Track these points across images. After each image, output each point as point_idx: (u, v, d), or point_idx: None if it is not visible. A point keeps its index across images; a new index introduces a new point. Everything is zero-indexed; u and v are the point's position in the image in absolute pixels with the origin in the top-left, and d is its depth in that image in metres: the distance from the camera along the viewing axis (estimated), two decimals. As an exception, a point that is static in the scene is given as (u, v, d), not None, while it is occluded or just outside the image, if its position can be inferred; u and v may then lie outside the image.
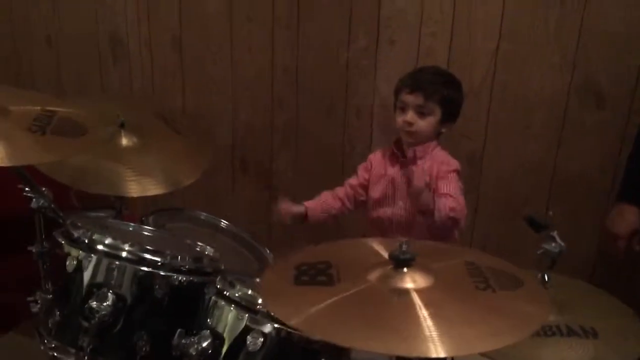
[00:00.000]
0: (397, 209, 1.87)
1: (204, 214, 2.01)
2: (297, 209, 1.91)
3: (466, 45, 2.26)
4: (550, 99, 2.19)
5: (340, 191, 1.97)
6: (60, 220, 1.63)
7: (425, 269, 1.03)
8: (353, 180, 1.97)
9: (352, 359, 1.35)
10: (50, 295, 1.48)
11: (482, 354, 1.09)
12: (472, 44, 2.25)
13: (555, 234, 1.30)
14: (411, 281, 1.01)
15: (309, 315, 0.95)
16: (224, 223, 2.00)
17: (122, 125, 1.94)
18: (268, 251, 1.95)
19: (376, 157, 1.95)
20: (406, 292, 1.00)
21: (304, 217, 1.92)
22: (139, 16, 2.83)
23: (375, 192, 1.91)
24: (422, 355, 0.86)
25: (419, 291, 0.99)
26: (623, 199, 1.85)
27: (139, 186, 1.85)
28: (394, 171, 1.88)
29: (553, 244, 1.29)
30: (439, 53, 2.31)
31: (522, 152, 2.28)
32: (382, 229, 1.90)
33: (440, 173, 1.79)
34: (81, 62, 3.04)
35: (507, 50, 2.21)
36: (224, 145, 2.81)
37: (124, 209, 1.98)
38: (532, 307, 0.98)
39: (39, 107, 1.45)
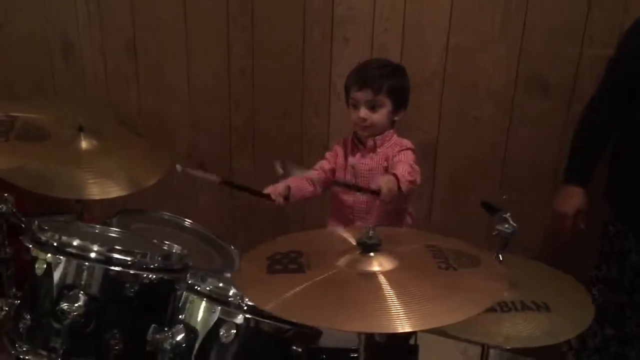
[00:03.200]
0: (357, 197, 1.93)
1: (167, 213, 2.04)
2: (286, 191, 1.88)
3: (417, 40, 2.33)
4: (498, 89, 2.28)
5: (313, 174, 1.95)
6: (22, 226, 1.63)
7: (390, 253, 1.10)
8: (324, 165, 2.01)
9: (320, 345, 1.41)
10: (18, 300, 1.47)
11: (447, 331, 1.18)
12: (423, 39, 2.33)
13: (508, 216, 1.38)
14: (378, 264, 1.07)
15: (284, 300, 1.00)
16: (187, 222, 2.02)
17: (81, 129, 1.94)
18: (232, 247, 1.98)
19: (339, 148, 2.01)
20: (373, 274, 1.06)
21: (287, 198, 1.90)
22: (91, 21, 2.81)
23: None
24: (391, 331, 0.92)
25: (385, 273, 1.06)
26: (568, 180, 1.96)
27: (100, 189, 1.85)
28: (354, 160, 1.95)
29: (506, 226, 1.37)
30: (391, 49, 2.37)
31: (473, 141, 2.37)
32: (343, 214, 1.97)
33: (394, 153, 1.88)
34: (33, 66, 3.00)
35: (456, 45, 2.29)
36: (182, 148, 2.82)
37: (84, 212, 1.99)
38: (490, 283, 1.05)
39: (1, 113, 1.44)
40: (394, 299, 0.99)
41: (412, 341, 1.67)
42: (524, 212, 2.30)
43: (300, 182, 1.93)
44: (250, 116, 2.69)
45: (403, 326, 0.95)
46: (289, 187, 1.88)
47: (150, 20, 2.72)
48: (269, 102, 2.64)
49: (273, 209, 2.71)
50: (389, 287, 1.02)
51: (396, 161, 1.84)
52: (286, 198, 1.89)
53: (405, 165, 1.77)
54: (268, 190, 1.86)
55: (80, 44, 2.87)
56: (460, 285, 1.04)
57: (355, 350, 1.34)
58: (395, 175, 1.67)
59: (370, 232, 1.08)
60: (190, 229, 2.01)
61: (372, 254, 1.09)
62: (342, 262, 1.09)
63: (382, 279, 1.04)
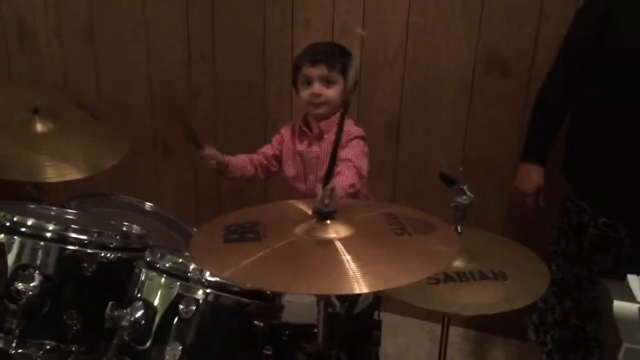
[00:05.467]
0: (309, 183, 1.94)
1: (127, 197, 2.00)
2: (221, 157, 1.90)
3: (378, 21, 2.34)
4: (458, 69, 2.31)
5: (254, 158, 2.00)
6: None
7: (346, 221, 1.10)
8: (267, 150, 2.01)
9: (282, 319, 1.41)
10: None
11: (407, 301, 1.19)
12: (384, 20, 2.34)
13: (465, 187, 1.39)
14: (334, 232, 1.08)
15: (241, 267, 1.00)
16: (148, 205, 2.00)
17: (36, 111, 1.90)
18: (195, 229, 1.96)
19: (287, 132, 2.00)
20: (330, 241, 1.06)
21: (224, 168, 1.92)
22: (47, 5, 2.75)
23: (289, 171, 1.97)
24: (348, 292, 0.93)
25: (341, 240, 1.06)
26: (527, 158, 1.99)
27: (56, 171, 1.81)
28: (302, 147, 1.93)
29: (464, 197, 1.39)
30: (353, 30, 2.37)
31: (435, 122, 2.39)
32: None
33: (343, 143, 1.85)
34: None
35: (416, 25, 2.31)
36: (145, 131, 2.79)
37: (42, 198, 1.95)
38: (444, 247, 1.07)
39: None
40: (350, 263, 1.00)
41: (375, 317, 1.69)
42: (486, 191, 2.37)
43: (242, 162, 1.96)
44: (213, 100, 2.67)
45: (360, 287, 0.96)
46: (228, 163, 1.91)
47: (107, 4, 2.67)
48: (231, 86, 2.63)
49: (236, 192, 2.73)
50: (345, 252, 1.02)
51: (343, 154, 1.80)
52: (220, 172, 1.93)
53: (346, 176, 1.73)
54: (209, 151, 1.88)
55: (36, 29, 2.80)
56: (415, 249, 1.05)
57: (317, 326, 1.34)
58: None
59: (327, 201, 1.08)
60: (151, 212, 1.99)
61: (328, 221, 1.09)
62: (298, 230, 1.09)
63: (338, 245, 1.05)
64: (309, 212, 1.12)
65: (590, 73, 1.82)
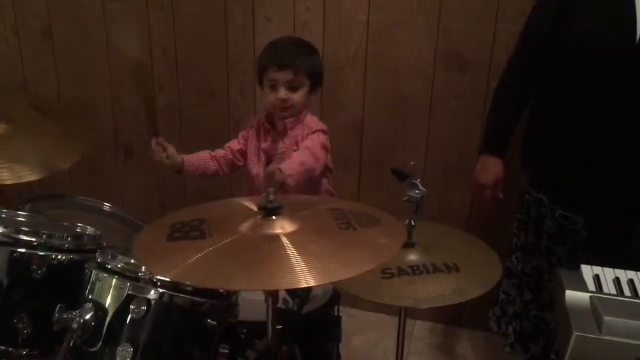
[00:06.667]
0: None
1: (85, 198, 1.98)
2: (176, 158, 1.84)
3: (339, 18, 2.34)
4: (418, 66, 2.32)
5: (219, 153, 1.97)
6: None
7: (292, 216, 1.11)
8: (234, 144, 1.99)
9: (240, 317, 1.40)
10: None
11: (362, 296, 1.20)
12: (344, 17, 2.34)
13: (417, 181, 1.40)
14: (280, 227, 1.08)
15: (186, 266, 0.99)
16: (107, 206, 1.97)
17: (-15, 113, 1.87)
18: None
19: (253, 128, 1.99)
20: (276, 237, 1.06)
21: (180, 168, 1.87)
22: (2, 3, 2.70)
23: (253, 167, 1.96)
24: (292, 286, 0.93)
25: (287, 235, 1.07)
26: (486, 151, 2.00)
27: (11, 173, 1.77)
28: (267, 145, 1.93)
29: (416, 191, 1.39)
30: (314, 27, 2.37)
31: (398, 117, 2.40)
32: (259, 194, 1.94)
33: (304, 137, 1.86)
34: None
35: (376, 21, 2.32)
36: (107, 132, 2.76)
37: (-1, 201, 1.92)
38: (387, 240, 1.07)
39: None
40: (297, 257, 1.00)
41: (335, 313, 1.69)
42: (450, 186, 2.39)
43: (203, 158, 1.94)
44: (176, 97, 2.65)
45: (306, 281, 0.97)
46: (182, 161, 1.86)
47: (65, 2, 2.63)
48: (194, 84, 2.61)
49: (201, 192, 2.72)
50: (291, 247, 1.03)
51: (303, 145, 1.81)
52: (177, 171, 1.88)
53: (298, 158, 1.71)
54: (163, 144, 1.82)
55: (-8, 29, 2.76)
56: (359, 243, 1.06)
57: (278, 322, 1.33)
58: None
59: (271, 197, 1.08)
60: (110, 212, 1.96)
61: (274, 217, 1.09)
62: (244, 227, 1.09)
63: (284, 240, 1.05)
64: (256, 209, 1.12)
65: (547, 63, 1.83)
